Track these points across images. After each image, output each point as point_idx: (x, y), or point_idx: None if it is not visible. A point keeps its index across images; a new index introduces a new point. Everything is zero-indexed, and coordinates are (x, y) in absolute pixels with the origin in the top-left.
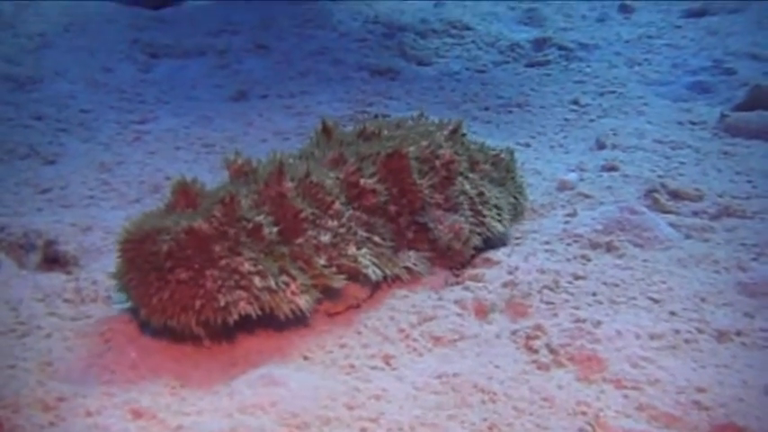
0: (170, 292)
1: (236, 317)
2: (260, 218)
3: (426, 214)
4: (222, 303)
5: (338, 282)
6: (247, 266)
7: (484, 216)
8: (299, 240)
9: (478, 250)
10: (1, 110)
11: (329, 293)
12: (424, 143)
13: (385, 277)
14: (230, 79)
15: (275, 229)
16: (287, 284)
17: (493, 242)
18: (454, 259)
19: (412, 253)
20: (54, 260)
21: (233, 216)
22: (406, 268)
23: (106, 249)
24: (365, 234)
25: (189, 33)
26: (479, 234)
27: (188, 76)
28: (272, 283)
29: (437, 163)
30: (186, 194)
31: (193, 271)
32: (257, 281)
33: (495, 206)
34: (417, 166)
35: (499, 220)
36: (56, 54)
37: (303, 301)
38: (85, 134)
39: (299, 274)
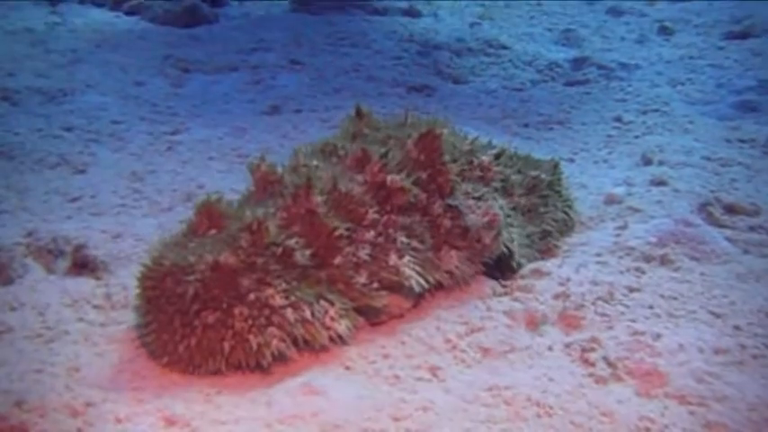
0: (197, 339)
1: (269, 359)
2: (291, 242)
3: (457, 198)
4: (254, 346)
5: (380, 301)
6: (279, 300)
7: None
8: (337, 261)
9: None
10: (31, 121)
11: (370, 310)
12: (467, 141)
13: (428, 283)
14: (263, 94)
15: (308, 253)
16: (325, 311)
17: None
18: (483, 254)
19: (454, 253)
20: (83, 265)
21: (261, 244)
22: (449, 272)
23: (137, 257)
24: (405, 239)
25: (221, 50)
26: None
27: (221, 90)
28: (308, 314)
29: (474, 161)
30: (210, 215)
31: (221, 311)
32: (290, 314)
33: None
34: (451, 150)
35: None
36: (87, 68)
37: (343, 327)
38: (116, 144)
39: (337, 298)
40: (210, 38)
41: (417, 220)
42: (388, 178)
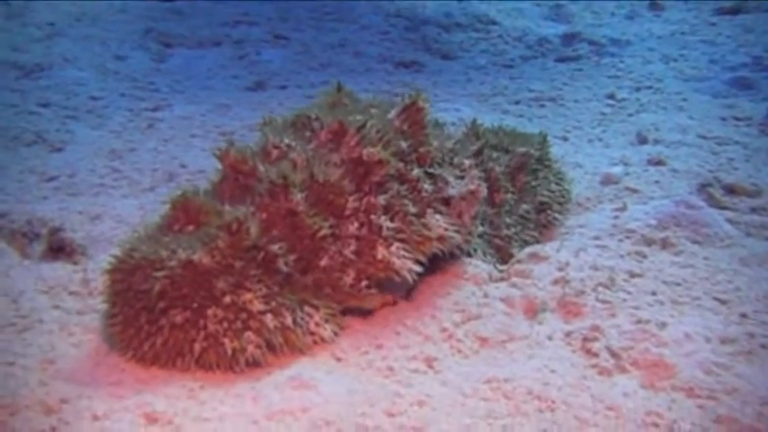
0: (163, 338)
1: (242, 366)
2: (274, 247)
3: (437, 169)
4: (229, 350)
5: (370, 302)
6: (258, 305)
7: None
8: (323, 262)
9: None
10: (6, 97)
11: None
12: (452, 140)
13: (422, 265)
14: (248, 70)
15: (292, 259)
16: (310, 316)
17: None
18: (461, 231)
19: (439, 217)
20: (59, 249)
21: (241, 246)
22: (440, 238)
23: (116, 239)
24: (389, 224)
25: (204, 24)
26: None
27: (203, 65)
28: (289, 321)
29: (455, 160)
30: (186, 210)
31: (191, 311)
32: (269, 320)
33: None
34: (433, 132)
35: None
36: (65, 42)
37: (328, 332)
38: (95, 121)
39: (323, 303)
40: (193, 11)
41: (395, 191)
42: (364, 153)
